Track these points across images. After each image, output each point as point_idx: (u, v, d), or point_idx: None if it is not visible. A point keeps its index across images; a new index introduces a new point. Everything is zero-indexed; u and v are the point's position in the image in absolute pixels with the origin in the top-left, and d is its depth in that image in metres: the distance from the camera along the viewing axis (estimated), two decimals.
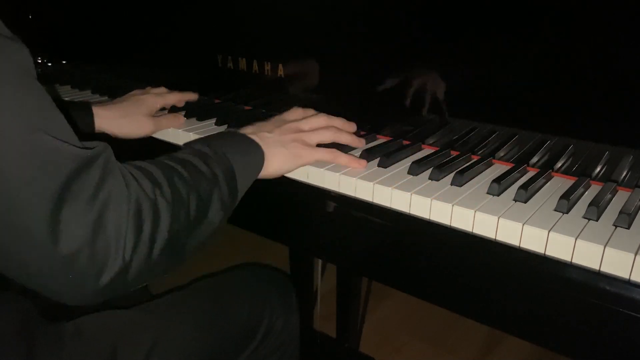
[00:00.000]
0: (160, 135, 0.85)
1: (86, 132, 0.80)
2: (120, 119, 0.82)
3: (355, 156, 0.69)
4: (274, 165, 0.64)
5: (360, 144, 0.74)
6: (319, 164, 0.68)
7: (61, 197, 0.40)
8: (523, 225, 0.52)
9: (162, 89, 0.93)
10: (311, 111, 0.75)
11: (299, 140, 0.67)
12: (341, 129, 0.73)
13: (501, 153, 0.70)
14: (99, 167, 0.43)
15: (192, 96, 0.95)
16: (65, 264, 0.41)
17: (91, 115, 0.80)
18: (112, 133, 0.82)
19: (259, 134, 0.65)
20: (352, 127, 0.75)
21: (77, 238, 0.41)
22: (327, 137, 0.71)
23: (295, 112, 0.74)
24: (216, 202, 0.54)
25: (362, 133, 0.81)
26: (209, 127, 0.83)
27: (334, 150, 0.69)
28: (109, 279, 0.43)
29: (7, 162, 0.39)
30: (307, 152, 0.67)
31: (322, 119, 0.72)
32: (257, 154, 0.63)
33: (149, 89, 0.92)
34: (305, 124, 0.71)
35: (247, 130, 0.66)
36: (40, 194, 0.40)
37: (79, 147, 0.43)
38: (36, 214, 0.39)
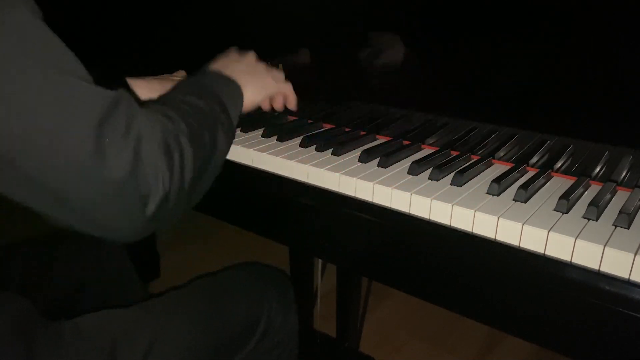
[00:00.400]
0: None
1: None
2: (160, 90, 0.81)
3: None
4: (248, 98, 0.70)
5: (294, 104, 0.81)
6: (318, 164, 0.68)
7: (100, 133, 0.44)
8: (523, 225, 0.52)
9: (180, 73, 0.93)
10: None
11: (264, 71, 0.75)
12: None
13: (501, 153, 0.70)
14: (125, 106, 0.47)
15: None
16: (116, 192, 0.45)
17: (126, 84, 0.82)
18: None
19: (231, 68, 0.70)
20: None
21: (121, 168, 0.45)
22: (281, 76, 0.78)
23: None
24: (221, 133, 0.59)
25: (361, 133, 0.81)
26: None
27: (288, 83, 0.77)
28: (155, 207, 0.48)
29: (46, 104, 0.42)
30: (271, 83, 0.75)
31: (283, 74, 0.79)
32: (237, 90, 0.68)
33: (164, 76, 0.92)
34: (269, 69, 0.77)
35: (219, 65, 0.72)
36: (82, 131, 0.43)
37: (102, 88, 0.47)
38: (82, 149, 0.43)
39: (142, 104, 0.53)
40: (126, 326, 0.67)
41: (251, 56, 0.76)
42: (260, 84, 0.73)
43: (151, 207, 0.47)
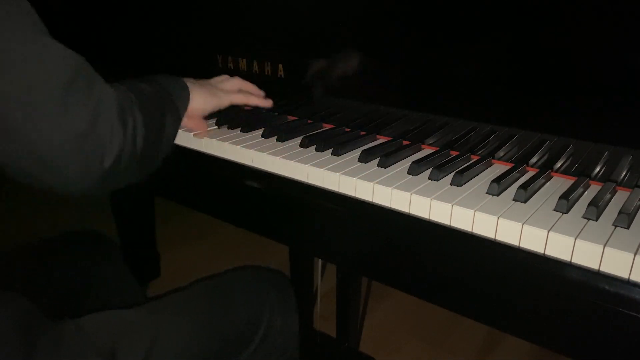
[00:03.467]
0: None
1: None
2: None
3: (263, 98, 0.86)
4: (198, 100, 0.77)
5: (268, 103, 0.88)
6: (318, 164, 0.68)
7: (66, 89, 0.51)
8: (522, 225, 0.52)
9: None
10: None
11: (213, 85, 0.83)
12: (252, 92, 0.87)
13: (501, 153, 0.70)
14: (88, 68, 0.56)
15: None
16: (78, 143, 0.52)
17: None
18: None
19: (185, 80, 0.78)
20: (264, 101, 0.88)
21: (84, 121, 0.52)
22: (234, 82, 0.86)
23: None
24: (168, 116, 0.67)
25: (361, 133, 0.81)
26: (210, 127, 0.84)
27: (245, 92, 0.85)
28: (110, 162, 0.55)
29: (25, 55, 0.49)
30: (224, 93, 0.81)
31: (237, 79, 0.87)
32: (184, 85, 0.76)
33: None
34: (214, 79, 0.86)
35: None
36: (53, 88, 0.50)
37: (70, 50, 0.54)
38: (52, 102, 0.50)
39: None
40: (126, 327, 0.68)
41: (206, 79, 0.85)
42: (209, 93, 0.79)
43: (107, 162, 0.55)
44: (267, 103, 0.88)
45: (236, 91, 0.84)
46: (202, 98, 0.78)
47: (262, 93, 0.89)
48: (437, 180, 0.63)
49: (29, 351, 0.58)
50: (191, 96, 0.76)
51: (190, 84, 0.77)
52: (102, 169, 0.55)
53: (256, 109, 0.95)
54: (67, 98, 0.51)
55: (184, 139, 0.82)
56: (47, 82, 0.50)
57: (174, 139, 0.71)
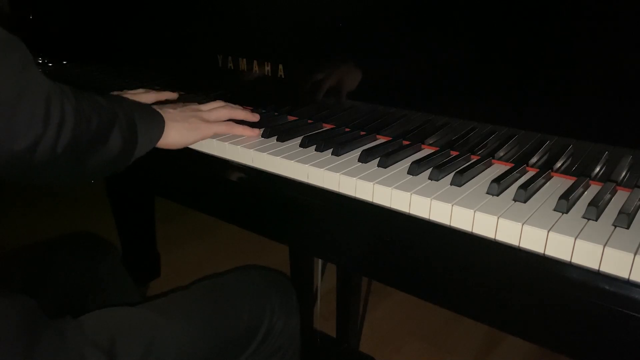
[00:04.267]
0: None
1: None
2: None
3: (251, 128, 0.80)
4: (175, 136, 0.74)
5: (255, 118, 0.84)
6: (318, 164, 0.68)
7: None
8: (522, 225, 0.52)
9: (140, 90, 0.92)
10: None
11: (197, 116, 0.78)
12: (235, 107, 0.84)
13: (501, 153, 0.70)
14: (22, 49, 0.54)
15: (170, 95, 0.95)
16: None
17: None
18: None
19: (161, 109, 0.75)
20: (250, 114, 0.84)
21: (4, 91, 0.51)
22: (223, 113, 0.81)
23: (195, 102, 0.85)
24: (116, 132, 0.65)
25: (361, 133, 0.81)
26: None
27: (229, 122, 0.80)
28: (22, 147, 0.54)
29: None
30: (205, 125, 0.78)
31: (219, 102, 0.84)
32: (157, 118, 0.73)
33: (126, 92, 0.91)
34: (204, 106, 0.82)
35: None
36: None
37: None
38: None
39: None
40: (126, 324, 0.68)
41: (191, 105, 0.82)
42: (189, 127, 0.76)
43: (18, 145, 0.54)
44: (255, 117, 0.85)
45: (222, 121, 0.81)
46: (178, 133, 0.75)
47: (252, 116, 0.85)
48: (437, 180, 0.63)
49: (32, 346, 0.58)
50: (166, 130, 0.73)
51: (170, 117, 0.74)
52: (12, 151, 0.54)
53: (256, 109, 0.95)
54: None
55: None
56: None
57: (125, 161, 0.68)
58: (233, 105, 0.85)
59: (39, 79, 0.56)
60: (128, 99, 0.74)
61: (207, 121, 0.79)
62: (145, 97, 0.91)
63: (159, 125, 0.73)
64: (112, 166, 0.67)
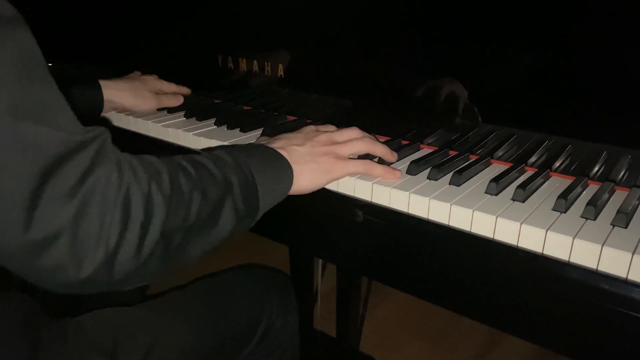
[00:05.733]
0: (161, 135, 0.85)
1: (95, 104, 0.88)
2: (127, 91, 0.91)
3: (392, 169, 0.65)
4: (304, 182, 0.61)
5: (393, 158, 0.68)
6: None
7: (43, 180, 0.38)
8: (521, 224, 0.52)
9: (152, 77, 1.00)
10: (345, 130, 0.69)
11: (330, 153, 0.63)
12: (372, 139, 0.69)
13: (499, 153, 0.70)
14: (90, 151, 0.41)
15: (186, 90, 1.02)
16: (36, 250, 0.39)
17: (99, 87, 0.88)
18: (120, 104, 0.91)
19: (288, 147, 0.61)
20: (389, 153, 0.68)
21: (55, 223, 0.39)
22: (360, 148, 0.66)
23: (328, 126, 0.71)
24: (228, 209, 0.51)
25: None
26: (209, 128, 0.84)
27: (367, 161, 0.65)
28: (92, 269, 0.41)
29: None
30: (340, 165, 0.63)
31: (356, 131, 0.68)
32: (283, 168, 0.59)
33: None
34: (339, 136, 0.67)
35: (277, 144, 0.62)
36: (19, 177, 0.38)
37: (70, 132, 0.41)
38: (12, 196, 0.38)
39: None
40: (127, 325, 0.68)
41: (321, 135, 0.66)
42: (321, 168, 0.62)
43: (87, 269, 0.41)
44: (393, 157, 0.68)
45: (357, 160, 0.65)
46: (308, 179, 0.61)
47: (391, 156, 0.68)
48: (436, 180, 0.63)
49: (34, 346, 0.59)
50: (296, 175, 0.59)
51: (296, 159, 0.60)
52: (80, 276, 0.41)
53: (256, 108, 0.95)
54: (37, 199, 0.38)
55: (184, 138, 0.82)
56: (10, 180, 0.38)
57: (229, 235, 0.53)
58: (369, 136, 0.69)
59: (111, 176, 0.42)
60: (247, 147, 0.60)
61: (341, 158, 0.64)
62: (167, 85, 0.99)
63: (286, 177, 0.59)
64: (230, 235, 0.53)
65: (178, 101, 0.95)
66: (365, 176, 0.64)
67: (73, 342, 0.63)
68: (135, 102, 0.91)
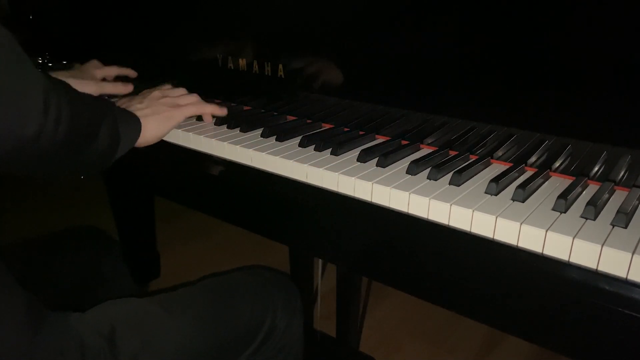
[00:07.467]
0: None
1: None
2: (69, 78, 0.90)
3: (220, 107, 0.85)
4: (150, 130, 0.76)
5: (223, 112, 0.85)
6: (317, 164, 0.68)
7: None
8: (521, 224, 0.52)
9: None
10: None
11: (167, 103, 0.80)
12: (202, 101, 0.85)
13: (499, 153, 0.70)
14: (17, 47, 0.55)
15: (130, 72, 1.07)
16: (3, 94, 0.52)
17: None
18: None
19: (131, 106, 0.77)
20: (219, 108, 0.86)
21: (13, 81, 0.53)
22: (192, 99, 0.84)
23: (166, 86, 0.87)
24: (104, 128, 0.67)
25: (360, 133, 0.81)
26: (209, 127, 0.84)
27: (198, 103, 0.83)
28: (29, 134, 0.56)
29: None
30: (178, 112, 0.79)
31: (185, 90, 0.85)
32: (132, 118, 0.74)
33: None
34: (172, 92, 0.84)
35: (120, 103, 0.79)
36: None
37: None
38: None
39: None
40: (127, 315, 0.68)
41: (155, 92, 0.83)
42: (161, 118, 0.78)
43: (28, 130, 0.56)
44: (222, 111, 0.86)
45: (191, 104, 0.83)
46: (154, 127, 0.76)
47: (220, 111, 0.87)
48: (436, 180, 0.63)
49: (36, 332, 0.59)
50: (143, 128, 0.75)
51: (142, 114, 0.76)
52: (20, 138, 0.55)
53: (256, 108, 0.95)
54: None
55: (183, 138, 0.82)
56: None
57: (110, 158, 0.70)
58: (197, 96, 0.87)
59: (38, 72, 0.58)
60: (104, 98, 0.75)
61: (178, 106, 0.80)
62: (108, 69, 1.03)
63: (136, 125, 0.74)
64: (100, 161, 0.69)
65: (127, 89, 0.97)
66: (364, 177, 0.64)
67: (73, 328, 0.63)
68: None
